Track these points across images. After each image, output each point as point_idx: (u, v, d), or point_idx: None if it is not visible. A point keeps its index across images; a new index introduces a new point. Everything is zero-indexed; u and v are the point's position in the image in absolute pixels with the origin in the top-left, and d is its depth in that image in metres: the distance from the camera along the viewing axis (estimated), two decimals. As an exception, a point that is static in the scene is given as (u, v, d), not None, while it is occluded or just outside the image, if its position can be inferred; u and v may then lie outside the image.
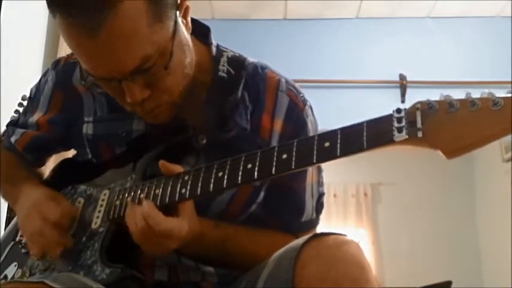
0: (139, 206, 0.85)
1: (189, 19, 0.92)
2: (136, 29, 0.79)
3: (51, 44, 2.56)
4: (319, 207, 1.05)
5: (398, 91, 3.74)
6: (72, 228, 0.96)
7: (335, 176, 5.12)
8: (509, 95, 0.65)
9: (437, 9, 3.84)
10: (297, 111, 1.00)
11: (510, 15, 3.77)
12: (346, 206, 5.72)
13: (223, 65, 0.99)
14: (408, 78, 3.74)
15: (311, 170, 1.02)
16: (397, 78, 3.78)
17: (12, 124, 1.17)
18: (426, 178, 5.63)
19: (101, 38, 0.77)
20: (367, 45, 3.89)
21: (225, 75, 0.98)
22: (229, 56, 1.01)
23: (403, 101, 3.67)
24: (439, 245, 5.47)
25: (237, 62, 1.01)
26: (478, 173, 5.62)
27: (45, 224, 0.94)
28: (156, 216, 0.83)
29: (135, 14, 0.78)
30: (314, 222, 1.05)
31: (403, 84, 3.75)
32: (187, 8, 0.90)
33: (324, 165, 1.06)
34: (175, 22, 0.85)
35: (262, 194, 0.99)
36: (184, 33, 0.89)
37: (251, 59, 1.04)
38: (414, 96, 0.83)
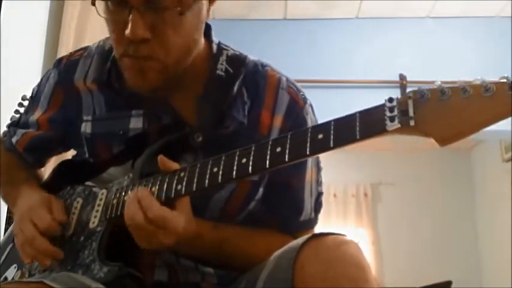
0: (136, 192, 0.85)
1: (212, 7, 0.95)
2: None
3: (51, 44, 2.55)
4: (317, 206, 1.05)
5: (398, 91, 3.74)
6: (66, 233, 0.96)
7: (335, 175, 5.14)
8: (501, 81, 0.64)
9: (437, 9, 3.84)
10: (297, 109, 1.00)
11: (510, 15, 3.77)
12: (346, 206, 5.72)
13: (221, 64, 0.99)
14: (408, 78, 3.74)
15: (310, 168, 1.02)
16: (397, 78, 3.78)
17: (14, 125, 1.17)
18: (426, 178, 5.64)
19: None
20: (367, 45, 3.89)
21: (222, 73, 0.98)
22: (229, 54, 1.02)
23: (403, 101, 3.67)
24: (439, 245, 5.47)
25: (237, 60, 1.01)
26: (477, 173, 5.62)
27: (35, 232, 0.94)
28: (149, 200, 0.83)
29: None
30: (312, 222, 1.05)
31: (403, 84, 3.75)
32: None
33: (324, 165, 1.06)
34: None
35: (261, 190, 0.99)
36: (205, 10, 0.93)
37: (252, 57, 1.04)
38: (414, 96, 0.82)
